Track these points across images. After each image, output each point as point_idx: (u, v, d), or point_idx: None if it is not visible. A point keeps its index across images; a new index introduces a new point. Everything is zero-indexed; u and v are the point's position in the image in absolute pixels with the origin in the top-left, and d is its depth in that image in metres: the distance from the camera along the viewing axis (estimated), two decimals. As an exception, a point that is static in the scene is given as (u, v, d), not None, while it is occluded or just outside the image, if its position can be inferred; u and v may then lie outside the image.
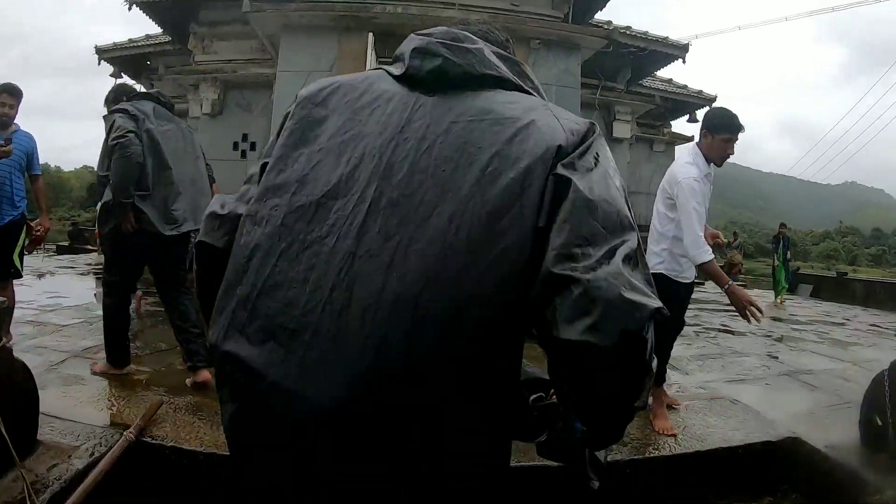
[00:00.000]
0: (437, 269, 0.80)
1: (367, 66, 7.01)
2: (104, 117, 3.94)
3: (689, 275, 3.55)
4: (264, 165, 1.02)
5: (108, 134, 3.61)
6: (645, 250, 1.02)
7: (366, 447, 0.80)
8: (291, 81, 7.39)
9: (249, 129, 10.75)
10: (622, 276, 0.75)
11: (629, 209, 0.86)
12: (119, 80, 14.63)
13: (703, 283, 14.32)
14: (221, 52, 11.09)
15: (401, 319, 0.79)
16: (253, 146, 10.76)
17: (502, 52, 1.06)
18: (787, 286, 12.95)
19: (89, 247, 14.71)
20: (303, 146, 0.99)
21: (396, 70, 1.03)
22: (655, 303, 0.74)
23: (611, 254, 0.77)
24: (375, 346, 0.79)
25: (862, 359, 6.02)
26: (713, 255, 3.28)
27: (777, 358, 5.89)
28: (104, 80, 14.64)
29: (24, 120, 4.65)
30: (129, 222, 3.59)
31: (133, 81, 14.97)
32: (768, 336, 7.41)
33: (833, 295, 14.34)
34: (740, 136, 3.40)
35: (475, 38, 1.03)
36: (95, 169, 4.00)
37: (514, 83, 1.02)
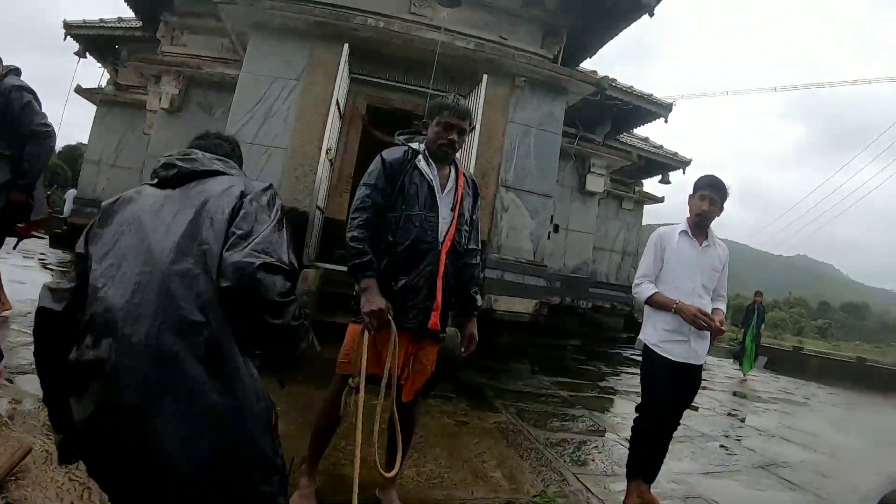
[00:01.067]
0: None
1: (338, 81, 6.43)
2: None
3: (670, 350, 3.31)
4: None
5: (14, 107, 3.54)
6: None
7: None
8: (254, 86, 6.75)
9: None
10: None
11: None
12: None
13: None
14: (190, 46, 10.36)
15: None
16: (208, 150, 10.00)
17: (219, 156, 1.83)
18: (753, 364, 12.31)
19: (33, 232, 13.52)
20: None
21: (153, 181, 1.73)
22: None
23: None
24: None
25: (836, 448, 5.83)
26: (653, 290, 3.38)
27: (748, 446, 5.43)
28: (68, 58, 13.75)
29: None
30: (22, 203, 3.65)
31: (98, 64, 14.21)
32: (732, 415, 7.03)
33: (788, 369, 14.23)
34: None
35: (198, 151, 1.79)
36: None
37: (222, 172, 1.75)
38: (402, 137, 2.86)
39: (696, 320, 3.18)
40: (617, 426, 5.34)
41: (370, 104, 7.72)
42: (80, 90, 14.07)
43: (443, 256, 2.66)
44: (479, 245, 2.98)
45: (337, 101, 6.47)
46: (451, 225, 2.71)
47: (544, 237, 7.59)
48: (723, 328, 3.27)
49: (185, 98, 10.10)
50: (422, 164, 2.71)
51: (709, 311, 3.34)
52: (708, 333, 3.32)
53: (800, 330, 66.83)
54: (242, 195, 1.62)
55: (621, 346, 13.10)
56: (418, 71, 7.08)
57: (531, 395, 6.19)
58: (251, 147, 6.62)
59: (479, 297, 2.91)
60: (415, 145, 2.77)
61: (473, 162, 6.45)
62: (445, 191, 2.75)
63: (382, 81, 7.30)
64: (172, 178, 1.68)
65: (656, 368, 3.33)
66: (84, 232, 1.65)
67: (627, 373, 9.32)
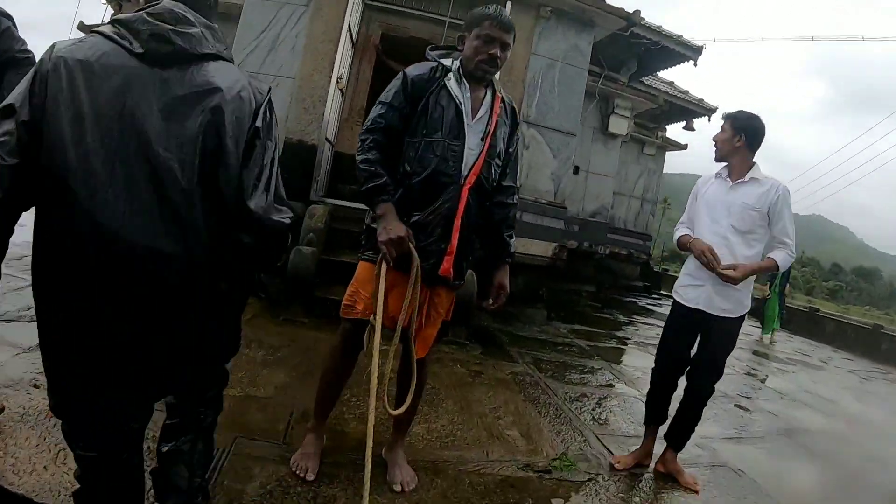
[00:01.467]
0: None
1: (350, 5, 5.95)
2: None
3: (685, 295, 3.15)
4: None
5: None
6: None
7: None
8: (260, 12, 6.20)
9: (212, 65, 9.52)
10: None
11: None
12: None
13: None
14: (195, -26, 9.81)
15: None
16: (213, 84, 9.53)
17: (209, 23, 1.51)
18: (778, 325, 11.46)
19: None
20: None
21: (136, 49, 1.38)
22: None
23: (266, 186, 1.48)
24: None
25: (853, 416, 5.68)
26: (682, 232, 3.22)
27: (769, 410, 5.18)
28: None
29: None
30: None
31: (103, 0, 13.63)
32: (752, 375, 6.77)
33: (803, 329, 13.91)
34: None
35: (192, 22, 1.45)
36: None
37: (220, 55, 1.50)
38: (434, 53, 2.43)
39: (701, 256, 2.96)
40: (637, 381, 5.07)
41: (384, 32, 7.17)
42: (82, 27, 13.52)
43: (464, 193, 2.27)
44: (517, 182, 2.58)
45: (349, 27, 5.99)
46: (478, 157, 2.30)
47: (565, 177, 7.16)
48: (729, 274, 2.89)
49: (190, 29, 9.64)
50: (451, 83, 2.29)
51: (745, 255, 2.97)
52: (741, 285, 2.98)
53: (810, 290, 66.39)
54: (255, 113, 1.49)
55: (637, 295, 12.84)
56: (434, -3, 6.56)
57: (548, 343, 5.95)
58: (256, 77, 6.15)
59: (512, 241, 2.54)
60: (447, 62, 2.35)
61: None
62: (476, 117, 2.33)
63: (397, 8, 6.77)
64: (164, 56, 1.40)
65: (671, 314, 3.23)
66: (26, 90, 1.32)
67: (644, 323, 9.08)
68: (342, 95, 6.26)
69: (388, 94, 2.29)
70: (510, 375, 4.42)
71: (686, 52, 11.94)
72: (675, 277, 3.51)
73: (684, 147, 15.37)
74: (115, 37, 1.39)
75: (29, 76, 1.34)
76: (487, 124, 2.34)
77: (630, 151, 13.43)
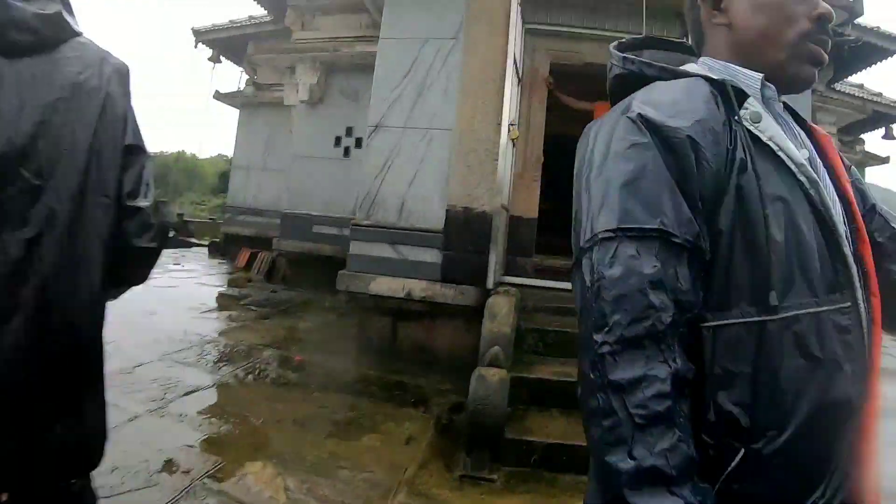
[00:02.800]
0: None
1: (512, 33, 4.76)
2: None
3: None
4: None
5: None
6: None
7: None
8: (398, 55, 5.22)
9: (355, 122, 8.70)
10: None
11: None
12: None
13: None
14: (324, 29, 9.11)
15: None
16: (358, 143, 8.66)
17: None
18: None
19: (192, 240, 14.64)
20: None
21: None
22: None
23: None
24: None
25: None
26: None
27: None
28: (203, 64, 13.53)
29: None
30: None
31: (236, 66, 13.78)
32: None
33: None
34: None
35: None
36: None
37: (76, 32, 1.26)
38: (623, 50, 1.02)
39: None
40: None
41: (553, 62, 5.87)
42: (218, 96, 13.69)
43: (870, 431, 0.80)
44: None
45: (514, 59, 4.78)
46: (873, 326, 0.83)
47: None
48: None
49: (325, 87, 9.05)
50: (765, 124, 0.83)
51: None
52: None
53: None
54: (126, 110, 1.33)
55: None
56: (611, 9, 5.25)
57: None
58: (404, 132, 5.10)
59: None
60: (696, 68, 0.94)
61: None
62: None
63: (567, 29, 5.53)
64: (24, 48, 1.18)
65: None
66: None
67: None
68: (513, 145, 5.03)
69: (631, 203, 0.78)
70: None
71: (890, 45, 9.89)
72: None
73: (886, 160, 12.93)
74: None
75: None
76: (851, 223, 0.88)
77: (825, 172, 11.26)
